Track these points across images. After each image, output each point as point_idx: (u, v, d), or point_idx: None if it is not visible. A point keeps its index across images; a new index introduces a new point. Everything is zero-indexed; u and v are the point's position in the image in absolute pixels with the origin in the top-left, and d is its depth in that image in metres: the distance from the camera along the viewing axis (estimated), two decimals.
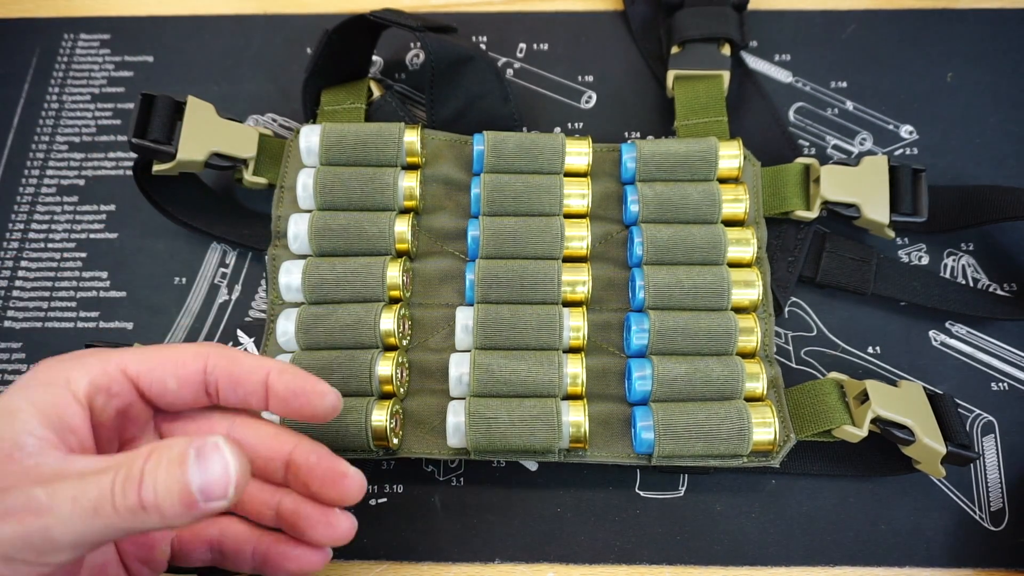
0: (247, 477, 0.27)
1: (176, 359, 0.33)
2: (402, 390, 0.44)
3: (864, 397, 0.41)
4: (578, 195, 0.47)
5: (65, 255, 0.51)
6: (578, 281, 0.45)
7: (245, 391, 0.33)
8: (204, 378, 0.33)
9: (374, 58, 0.56)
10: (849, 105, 0.54)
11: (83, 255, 0.51)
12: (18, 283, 0.51)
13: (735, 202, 0.47)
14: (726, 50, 0.52)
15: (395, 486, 0.45)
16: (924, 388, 0.43)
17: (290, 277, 0.45)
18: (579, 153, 0.48)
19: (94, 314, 0.50)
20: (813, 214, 0.48)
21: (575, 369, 0.43)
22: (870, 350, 0.48)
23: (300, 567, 0.35)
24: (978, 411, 0.46)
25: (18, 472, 0.27)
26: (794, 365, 0.48)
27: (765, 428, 0.41)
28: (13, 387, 0.31)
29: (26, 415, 0.29)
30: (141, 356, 0.32)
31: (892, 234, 0.48)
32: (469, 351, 0.44)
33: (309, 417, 0.33)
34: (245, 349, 0.48)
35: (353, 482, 0.34)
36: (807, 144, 0.53)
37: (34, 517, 0.26)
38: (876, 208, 0.47)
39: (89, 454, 0.30)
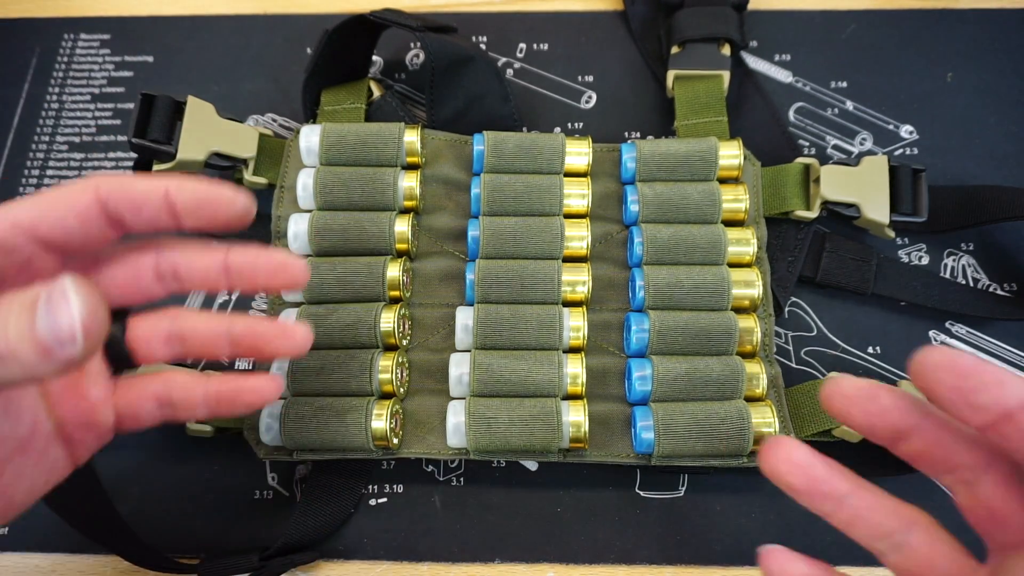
0: (99, 319, 0.25)
1: (66, 197, 0.30)
2: (402, 390, 0.44)
3: None
4: (578, 195, 0.47)
5: None
6: (578, 281, 0.45)
7: (149, 212, 0.31)
8: (102, 208, 0.31)
9: (374, 58, 0.56)
10: (849, 105, 0.54)
11: None
12: None
13: (735, 202, 0.47)
14: (726, 50, 0.52)
15: (395, 486, 0.45)
16: None
17: None
18: (579, 153, 0.48)
19: None
20: (813, 214, 0.48)
21: (575, 369, 0.43)
22: (870, 350, 0.48)
23: (256, 398, 0.34)
24: None
25: None
26: (794, 365, 0.48)
27: (765, 428, 0.41)
28: None
29: None
30: (30, 204, 0.30)
31: (892, 234, 0.48)
32: (469, 351, 0.44)
33: (223, 226, 0.32)
34: None
35: (296, 266, 0.33)
36: (807, 144, 0.53)
37: None
38: (876, 208, 0.47)
39: None
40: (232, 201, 0.32)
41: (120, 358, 0.32)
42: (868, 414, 0.28)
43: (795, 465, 0.29)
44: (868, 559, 0.43)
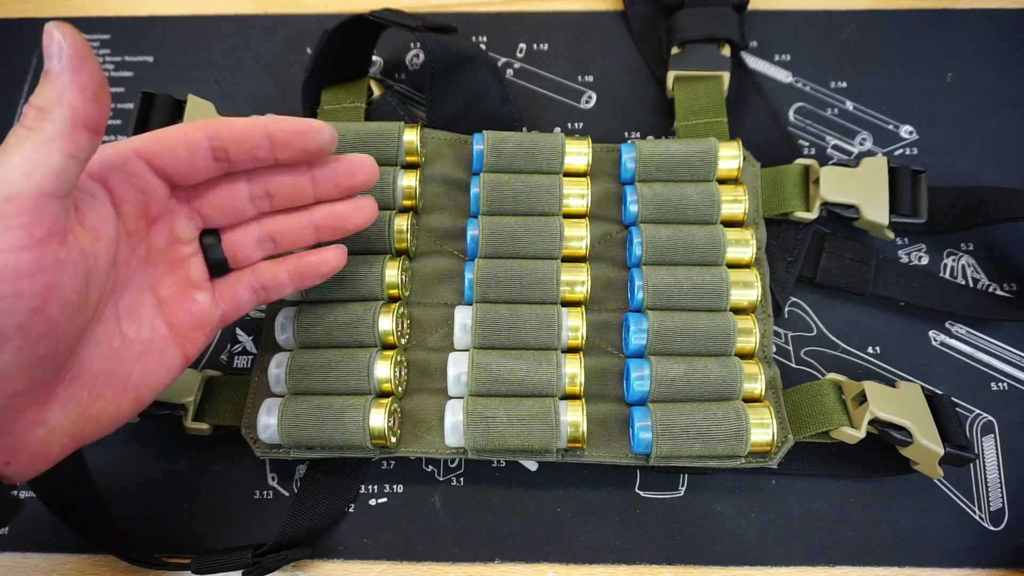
0: (71, 34, 0.33)
1: (181, 132, 0.36)
2: (400, 389, 0.44)
3: (862, 398, 0.41)
4: (577, 195, 0.47)
5: None
6: (577, 281, 0.45)
7: (251, 144, 0.36)
8: (210, 144, 0.36)
9: (374, 58, 0.56)
10: (849, 105, 0.54)
11: None
12: None
13: (734, 203, 0.47)
14: (726, 51, 0.52)
15: (395, 486, 0.45)
16: (923, 388, 0.43)
17: None
18: (579, 153, 0.48)
19: None
20: (813, 215, 0.48)
21: (573, 369, 0.43)
22: (870, 350, 0.48)
23: (329, 267, 0.41)
24: (978, 411, 0.46)
25: None
26: (794, 365, 0.48)
27: (763, 429, 0.41)
28: None
29: None
30: (149, 137, 0.35)
31: (891, 235, 0.48)
32: (467, 350, 0.44)
33: (315, 154, 0.37)
34: (244, 347, 0.49)
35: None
36: (807, 144, 0.53)
37: None
38: (876, 209, 0.47)
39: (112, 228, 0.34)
40: (320, 130, 0.37)
41: (217, 263, 0.39)
42: None
43: None
44: (869, 559, 0.43)
